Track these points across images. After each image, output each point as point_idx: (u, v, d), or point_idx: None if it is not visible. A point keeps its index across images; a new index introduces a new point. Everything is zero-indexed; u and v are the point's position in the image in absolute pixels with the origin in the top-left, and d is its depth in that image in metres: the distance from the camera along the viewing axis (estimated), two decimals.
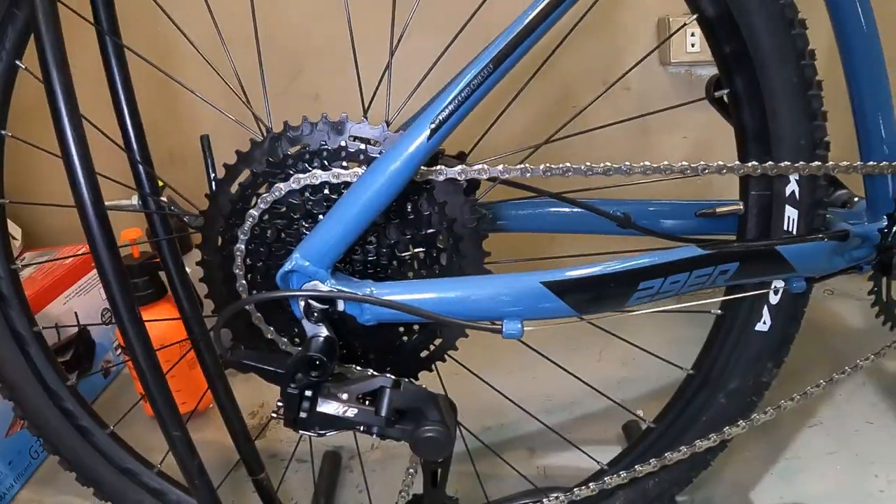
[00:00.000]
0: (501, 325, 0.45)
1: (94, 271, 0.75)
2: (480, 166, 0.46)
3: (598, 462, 0.62)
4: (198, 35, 0.57)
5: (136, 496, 0.60)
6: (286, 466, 0.76)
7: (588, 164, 0.48)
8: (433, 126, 0.43)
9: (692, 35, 0.93)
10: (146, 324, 0.46)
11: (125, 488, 0.60)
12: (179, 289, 0.59)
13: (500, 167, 0.47)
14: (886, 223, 0.56)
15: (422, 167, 0.46)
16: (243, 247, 0.50)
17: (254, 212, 0.49)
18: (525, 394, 0.71)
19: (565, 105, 0.99)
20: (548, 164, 0.48)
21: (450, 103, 0.43)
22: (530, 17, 0.43)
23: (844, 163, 0.52)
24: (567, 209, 0.63)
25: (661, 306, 0.52)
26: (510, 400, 0.63)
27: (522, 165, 0.47)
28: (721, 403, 0.59)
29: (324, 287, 0.46)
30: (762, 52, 0.49)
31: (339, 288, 0.46)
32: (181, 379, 0.81)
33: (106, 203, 0.43)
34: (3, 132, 0.55)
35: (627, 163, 0.49)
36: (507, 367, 0.87)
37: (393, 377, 0.47)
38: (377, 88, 0.53)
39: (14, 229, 0.96)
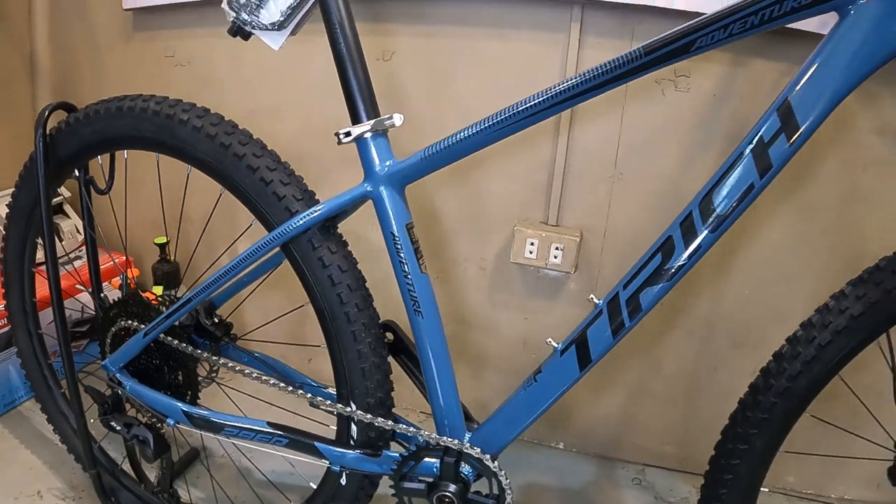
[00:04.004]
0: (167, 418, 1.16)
1: (114, 278, 1.60)
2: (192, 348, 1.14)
3: None
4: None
5: (63, 428, 1.44)
6: None
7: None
8: (144, 332, 1.13)
9: (532, 244, 1.41)
10: None
11: (62, 422, 1.44)
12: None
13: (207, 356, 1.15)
14: (398, 461, 1.08)
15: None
16: (108, 339, 1.26)
17: (113, 328, 1.23)
18: None
19: None
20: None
21: (151, 327, 1.12)
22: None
23: (369, 416, 1.07)
24: None
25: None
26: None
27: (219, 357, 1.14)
28: None
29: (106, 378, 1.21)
30: (338, 333, 1.06)
31: (119, 379, 1.20)
32: None
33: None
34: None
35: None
36: None
37: (139, 421, 1.21)
38: (186, 269, 1.23)
39: (79, 223, 1.85)
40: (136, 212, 1.59)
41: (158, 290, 1.73)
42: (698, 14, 0.92)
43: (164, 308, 1.17)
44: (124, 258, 1.77)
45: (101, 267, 1.36)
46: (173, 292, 1.61)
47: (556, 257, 1.43)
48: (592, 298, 0.98)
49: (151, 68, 1.76)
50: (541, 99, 0.90)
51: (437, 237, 1.56)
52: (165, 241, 1.72)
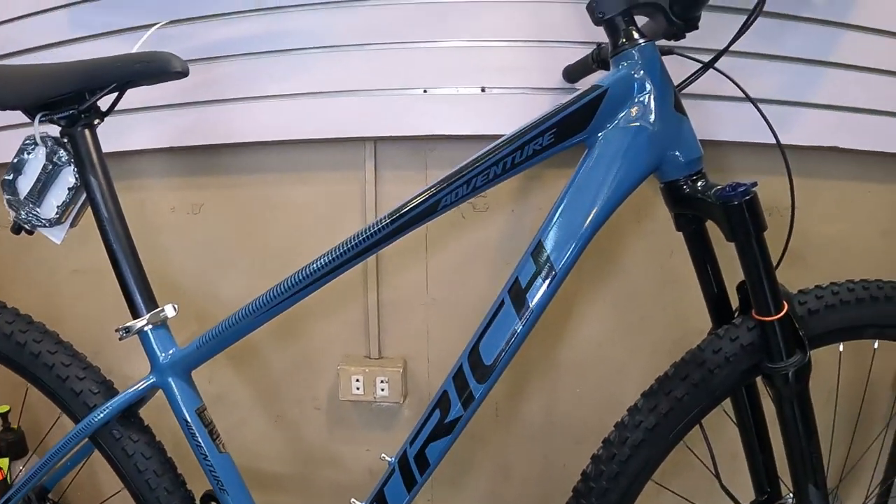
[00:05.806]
0: None
1: None
2: None
3: None
4: None
5: None
6: None
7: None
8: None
9: (357, 381, 1.54)
10: None
11: None
12: None
13: None
14: None
15: None
16: None
17: None
18: None
19: None
20: None
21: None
22: None
23: None
24: None
25: None
26: None
27: None
28: None
29: None
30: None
31: None
32: None
33: None
34: None
35: None
36: None
37: None
38: None
39: None
40: None
41: (4, 462, 1.76)
42: (486, 137, 1.03)
43: None
44: None
45: None
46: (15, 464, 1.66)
47: (382, 390, 1.56)
48: (384, 457, 1.09)
49: None
50: (292, 282, 1.03)
51: (273, 380, 1.67)
52: (7, 409, 1.77)
